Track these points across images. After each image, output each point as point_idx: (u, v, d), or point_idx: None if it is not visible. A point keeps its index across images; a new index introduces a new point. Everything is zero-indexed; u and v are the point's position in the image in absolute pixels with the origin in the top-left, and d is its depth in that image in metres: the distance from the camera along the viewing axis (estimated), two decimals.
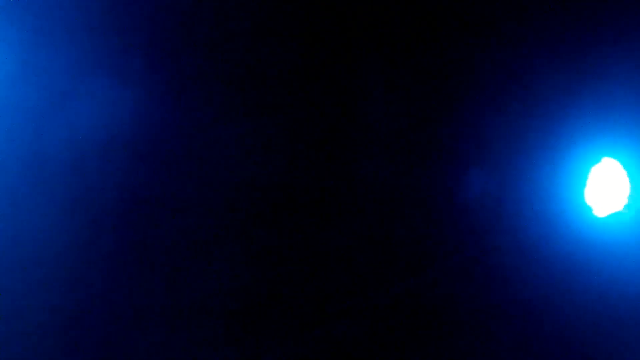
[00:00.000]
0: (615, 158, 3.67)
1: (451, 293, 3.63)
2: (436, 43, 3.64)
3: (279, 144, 3.52)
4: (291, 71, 3.57)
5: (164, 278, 3.31)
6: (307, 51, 3.57)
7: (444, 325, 3.59)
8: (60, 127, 3.31)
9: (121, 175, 3.33)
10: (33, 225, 3.24)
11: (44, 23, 3.26)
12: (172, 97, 3.40)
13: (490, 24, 3.67)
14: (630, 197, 3.63)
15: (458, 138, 3.69)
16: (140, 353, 3.29)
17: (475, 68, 3.75)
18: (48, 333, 3.16)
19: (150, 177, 3.33)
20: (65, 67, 3.33)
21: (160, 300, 3.30)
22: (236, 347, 3.38)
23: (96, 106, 3.34)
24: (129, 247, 3.29)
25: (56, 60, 3.30)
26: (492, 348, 3.60)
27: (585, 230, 3.67)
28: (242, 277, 3.42)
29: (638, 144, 3.62)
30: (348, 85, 3.60)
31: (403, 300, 3.54)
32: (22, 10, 3.18)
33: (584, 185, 3.68)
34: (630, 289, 3.61)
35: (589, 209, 3.67)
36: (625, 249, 3.62)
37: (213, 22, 3.48)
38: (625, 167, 3.64)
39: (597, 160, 3.69)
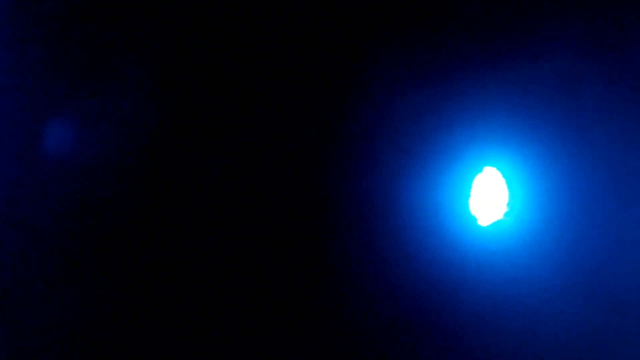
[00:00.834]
0: (494, 166, 3.69)
1: (338, 303, 3.78)
2: None
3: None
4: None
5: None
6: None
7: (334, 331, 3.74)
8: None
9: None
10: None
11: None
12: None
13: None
14: (509, 204, 3.64)
15: (339, 146, 3.85)
16: None
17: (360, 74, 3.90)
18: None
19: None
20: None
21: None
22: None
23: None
24: None
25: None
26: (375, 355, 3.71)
27: (470, 240, 3.71)
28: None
29: (515, 152, 3.63)
30: None
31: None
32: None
33: (468, 195, 3.73)
34: (516, 296, 3.61)
35: (474, 219, 3.72)
36: (508, 255, 3.63)
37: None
38: (504, 175, 3.66)
39: (480, 170, 3.73)
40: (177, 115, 3.74)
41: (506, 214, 3.63)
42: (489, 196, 3.69)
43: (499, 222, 3.67)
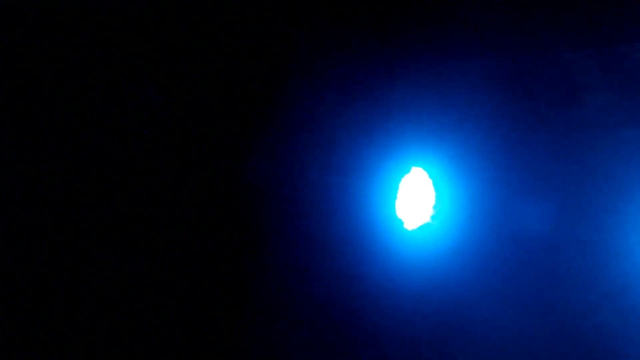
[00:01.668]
0: (422, 169, 3.69)
1: (260, 305, 3.80)
2: None
3: None
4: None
5: None
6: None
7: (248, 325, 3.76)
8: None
9: None
10: None
11: None
12: None
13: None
14: (436, 207, 3.64)
15: (266, 145, 3.86)
16: None
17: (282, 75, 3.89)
18: None
19: None
20: None
21: None
22: None
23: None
24: None
25: None
26: (290, 348, 3.73)
27: (396, 243, 3.72)
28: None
29: (441, 156, 3.62)
30: None
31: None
32: None
33: (394, 198, 3.74)
34: (439, 298, 3.61)
35: (400, 222, 3.72)
36: (433, 258, 3.63)
37: None
38: (431, 178, 3.66)
39: (406, 172, 3.73)
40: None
41: (432, 218, 3.63)
42: (416, 199, 3.69)
43: (424, 225, 3.66)
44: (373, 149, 3.68)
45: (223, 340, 3.72)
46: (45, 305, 3.30)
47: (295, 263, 3.77)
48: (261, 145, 3.84)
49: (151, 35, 3.41)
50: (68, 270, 3.37)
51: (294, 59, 3.64)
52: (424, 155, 3.65)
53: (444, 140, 3.61)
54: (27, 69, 3.31)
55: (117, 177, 3.51)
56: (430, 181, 3.65)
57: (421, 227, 3.66)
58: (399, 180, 3.69)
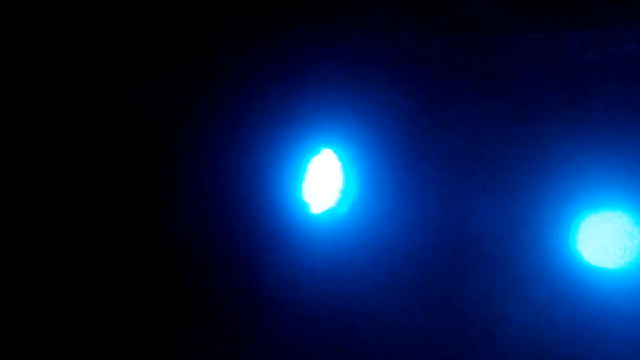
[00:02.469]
0: (332, 151, 3.50)
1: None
2: None
3: None
4: None
5: None
6: None
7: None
8: None
9: None
10: None
11: None
12: None
13: None
14: (343, 192, 3.46)
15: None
16: None
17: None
18: None
19: None
20: None
21: None
22: None
23: None
24: None
25: None
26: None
27: (301, 229, 3.51)
28: None
29: (353, 138, 3.44)
30: None
31: None
32: None
33: (301, 180, 3.52)
34: (342, 285, 3.44)
35: (306, 205, 3.51)
36: (339, 245, 3.45)
37: None
38: (341, 161, 3.47)
39: (315, 154, 3.53)
40: None
41: (339, 203, 3.46)
42: (325, 183, 3.50)
43: (331, 209, 3.49)
44: (283, 128, 3.44)
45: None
46: None
47: (191, 240, 3.47)
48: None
49: None
50: None
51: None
52: (336, 137, 3.47)
53: (358, 124, 3.44)
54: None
55: None
56: (339, 164, 3.48)
57: (327, 212, 3.48)
58: (307, 162, 3.48)
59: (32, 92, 3.45)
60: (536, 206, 3.12)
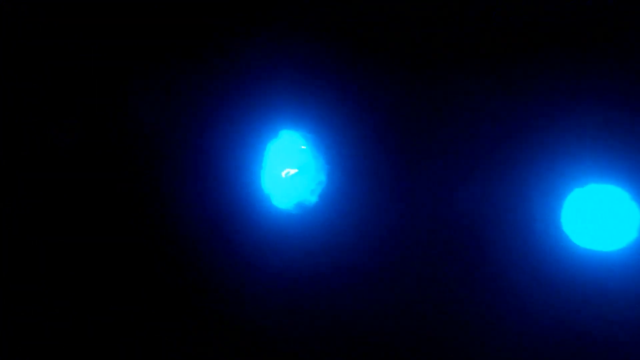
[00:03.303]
0: (297, 134, 3.03)
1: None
2: None
3: None
4: None
5: None
6: None
7: None
8: None
9: None
10: None
11: None
12: None
13: None
14: (312, 181, 2.98)
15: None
16: None
17: None
18: None
19: None
20: None
21: None
22: None
23: None
24: None
25: None
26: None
27: (262, 224, 3.08)
28: None
29: (323, 118, 2.94)
30: None
31: None
32: None
33: (261, 168, 3.09)
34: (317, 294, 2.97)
35: (268, 197, 3.08)
36: (309, 243, 2.97)
37: None
38: (309, 144, 2.99)
39: (275, 137, 3.08)
40: None
41: (310, 193, 2.97)
42: (290, 170, 3.04)
43: (299, 202, 3.01)
44: (236, 109, 3.02)
45: None
46: None
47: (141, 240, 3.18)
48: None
49: None
50: None
51: None
52: (300, 116, 2.98)
53: (327, 102, 2.92)
54: None
55: None
56: (306, 148, 2.98)
57: (295, 205, 2.99)
58: (266, 147, 3.02)
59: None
60: (525, 189, 2.48)
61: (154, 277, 3.11)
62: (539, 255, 2.75)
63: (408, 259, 2.83)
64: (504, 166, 2.70)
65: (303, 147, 2.95)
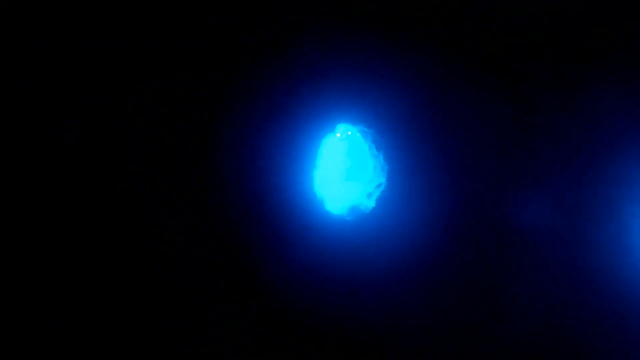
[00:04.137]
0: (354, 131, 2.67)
1: None
2: None
3: None
4: None
5: None
6: None
7: None
8: None
9: None
10: None
11: None
12: None
13: None
14: (372, 183, 2.62)
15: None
16: None
17: None
18: None
19: None
20: None
21: None
22: None
23: None
24: None
25: None
26: None
27: (315, 230, 2.72)
28: None
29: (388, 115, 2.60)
30: None
31: None
32: None
33: (314, 170, 2.73)
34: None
35: (322, 201, 2.71)
36: (366, 252, 2.62)
37: None
38: (368, 143, 2.63)
39: (331, 133, 2.72)
40: None
41: (368, 196, 2.61)
42: (346, 172, 2.67)
43: (355, 206, 2.65)
44: (295, 108, 2.65)
45: None
46: None
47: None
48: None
49: None
50: None
51: None
52: (359, 113, 2.62)
53: (391, 96, 2.58)
54: None
55: None
56: (367, 147, 2.63)
57: (350, 209, 2.63)
58: (321, 147, 2.66)
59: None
60: (578, 197, 2.62)
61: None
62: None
63: (467, 268, 2.54)
64: (573, 173, 2.49)
65: (365, 146, 2.60)
